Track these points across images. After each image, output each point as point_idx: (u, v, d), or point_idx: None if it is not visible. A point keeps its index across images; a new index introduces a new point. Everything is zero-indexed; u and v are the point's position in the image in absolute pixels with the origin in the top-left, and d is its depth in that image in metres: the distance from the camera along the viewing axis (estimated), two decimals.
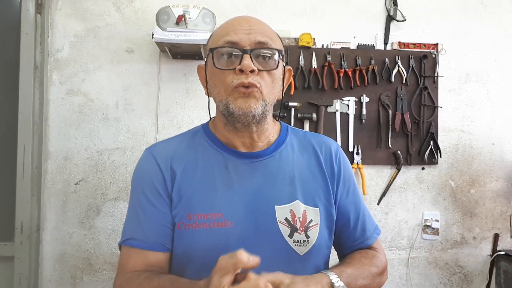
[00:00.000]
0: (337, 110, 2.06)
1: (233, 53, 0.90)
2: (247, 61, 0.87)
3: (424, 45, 2.13)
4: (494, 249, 2.14)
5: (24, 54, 1.84)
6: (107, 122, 1.94)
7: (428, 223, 2.10)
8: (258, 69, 0.88)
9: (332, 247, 1.04)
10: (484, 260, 2.16)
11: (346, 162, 1.06)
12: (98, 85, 1.94)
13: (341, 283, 0.81)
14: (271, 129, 1.01)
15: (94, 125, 1.93)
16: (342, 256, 1.05)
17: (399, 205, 2.11)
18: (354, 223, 1.01)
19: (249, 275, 0.69)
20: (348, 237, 1.02)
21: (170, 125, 1.98)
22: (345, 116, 2.07)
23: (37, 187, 1.87)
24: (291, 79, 1.94)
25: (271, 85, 0.92)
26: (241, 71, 0.87)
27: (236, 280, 0.70)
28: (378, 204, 2.09)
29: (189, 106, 1.99)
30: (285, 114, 2.01)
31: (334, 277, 0.82)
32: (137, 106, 1.96)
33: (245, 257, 0.69)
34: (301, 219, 0.93)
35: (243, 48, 0.88)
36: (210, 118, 1.07)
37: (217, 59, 0.91)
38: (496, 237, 2.15)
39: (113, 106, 1.94)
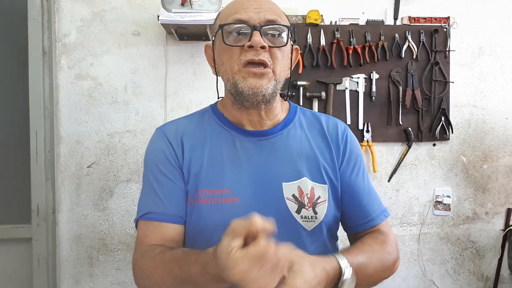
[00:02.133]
0: (346, 88, 2.03)
1: (242, 30, 0.90)
2: (258, 37, 0.87)
3: (435, 19, 2.08)
4: (507, 224, 2.13)
5: (32, 40, 1.85)
6: (116, 105, 1.95)
7: (440, 199, 2.09)
8: (268, 46, 0.88)
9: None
10: (497, 235, 2.15)
11: (354, 143, 1.04)
12: (106, 69, 1.94)
13: (350, 270, 0.78)
14: (279, 108, 1.01)
15: (104, 108, 1.94)
16: (348, 236, 1.05)
17: (410, 181, 2.10)
18: (357, 204, 0.99)
19: (260, 240, 0.64)
20: (351, 217, 1.00)
21: (179, 107, 1.98)
22: (354, 93, 2.05)
23: (51, 171, 1.91)
24: (299, 57, 1.97)
25: (282, 62, 0.92)
26: (250, 47, 0.87)
27: (247, 245, 0.65)
28: (388, 181, 2.09)
29: (197, 87, 1.99)
30: (293, 94, 2.00)
31: (343, 263, 0.79)
32: (145, 89, 1.96)
33: (259, 221, 0.64)
34: (308, 195, 0.93)
35: (253, 25, 0.88)
36: (218, 98, 1.07)
37: (226, 36, 0.91)
38: (508, 212, 2.13)
39: (122, 90, 1.95)
